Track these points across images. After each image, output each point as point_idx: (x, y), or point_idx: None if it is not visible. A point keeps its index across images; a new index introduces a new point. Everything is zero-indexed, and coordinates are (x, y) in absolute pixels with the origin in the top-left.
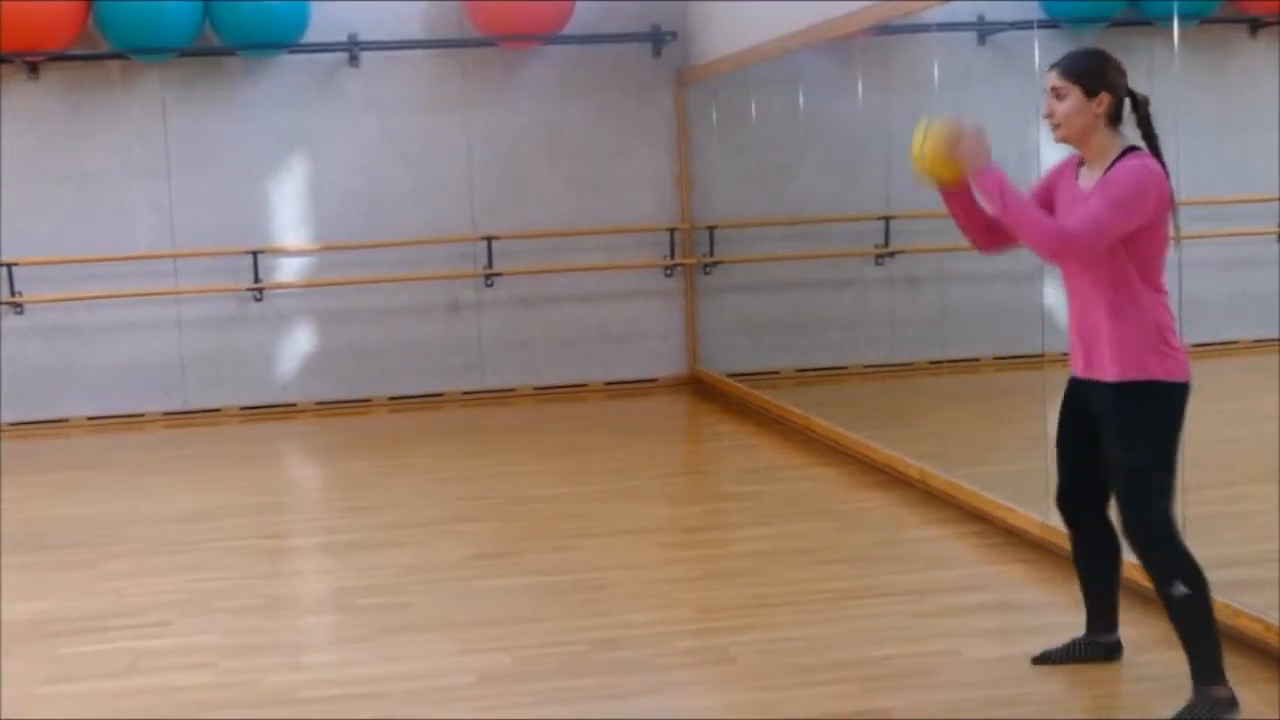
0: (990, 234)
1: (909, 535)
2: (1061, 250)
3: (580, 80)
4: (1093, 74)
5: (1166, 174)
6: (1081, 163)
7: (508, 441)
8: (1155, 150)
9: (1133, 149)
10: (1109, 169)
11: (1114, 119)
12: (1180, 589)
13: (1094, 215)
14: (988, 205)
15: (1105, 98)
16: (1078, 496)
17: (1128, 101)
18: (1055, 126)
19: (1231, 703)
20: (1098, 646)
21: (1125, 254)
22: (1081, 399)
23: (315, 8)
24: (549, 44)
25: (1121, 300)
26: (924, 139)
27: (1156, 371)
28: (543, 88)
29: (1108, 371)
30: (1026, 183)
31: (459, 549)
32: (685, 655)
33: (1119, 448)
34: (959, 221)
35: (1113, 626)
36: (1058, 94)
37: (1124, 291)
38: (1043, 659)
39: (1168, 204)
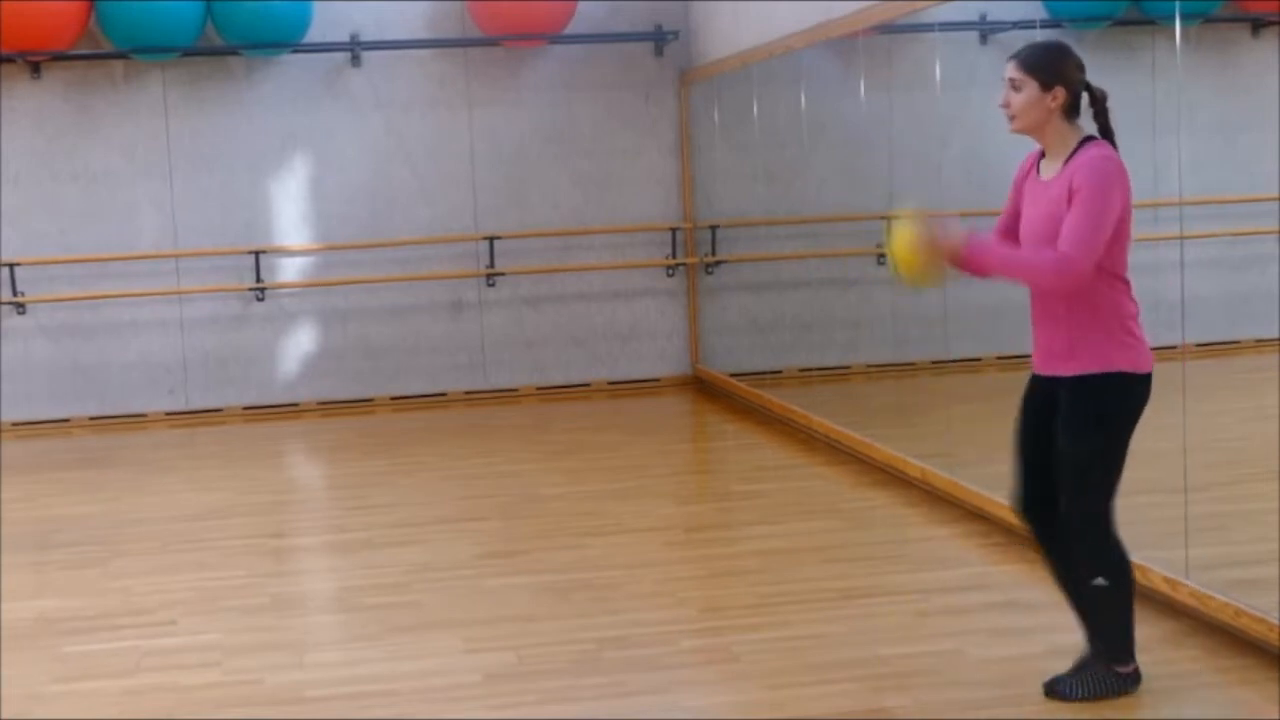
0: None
1: (912, 535)
2: (1060, 283)
3: (583, 80)
4: (1049, 67)
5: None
6: (1042, 155)
7: (512, 441)
8: (1113, 145)
9: (1090, 139)
10: (1069, 161)
11: (1071, 112)
12: (1099, 582)
13: (1081, 235)
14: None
15: (1060, 92)
16: (1038, 499)
17: (1085, 96)
18: (1011, 118)
19: (1135, 679)
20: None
21: None
22: (1041, 397)
23: (317, 7)
24: (552, 44)
25: (1084, 292)
26: (894, 250)
27: (1120, 363)
28: (545, 87)
29: (1068, 365)
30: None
31: (465, 548)
32: (691, 654)
33: (1067, 436)
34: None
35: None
36: (1014, 85)
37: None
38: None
39: (1129, 193)
